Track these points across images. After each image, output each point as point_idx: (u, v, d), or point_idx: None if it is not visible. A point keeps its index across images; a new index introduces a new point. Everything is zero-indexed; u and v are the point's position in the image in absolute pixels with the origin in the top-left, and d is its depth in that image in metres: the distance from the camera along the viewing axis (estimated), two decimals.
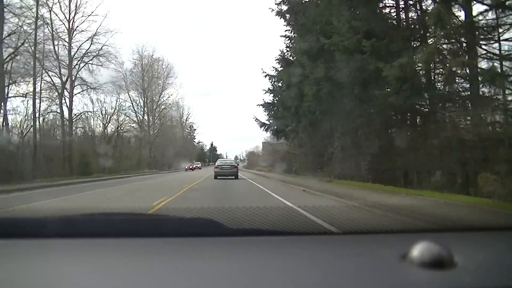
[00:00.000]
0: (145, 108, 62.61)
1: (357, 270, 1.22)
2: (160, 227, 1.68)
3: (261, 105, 35.58)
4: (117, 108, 48.78)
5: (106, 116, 47.86)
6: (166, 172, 58.57)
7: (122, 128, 51.79)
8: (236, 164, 30.82)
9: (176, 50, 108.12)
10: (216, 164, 29.87)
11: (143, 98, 61.69)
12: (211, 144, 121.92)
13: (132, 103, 60.23)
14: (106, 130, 47.69)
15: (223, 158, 65.73)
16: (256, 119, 36.12)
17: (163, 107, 68.39)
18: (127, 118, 56.47)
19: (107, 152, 45.68)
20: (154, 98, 65.73)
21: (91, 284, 1.13)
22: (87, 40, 39.81)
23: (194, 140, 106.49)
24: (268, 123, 36.08)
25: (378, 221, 2.24)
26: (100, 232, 1.55)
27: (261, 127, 35.88)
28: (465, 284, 1.09)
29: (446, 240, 1.25)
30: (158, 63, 64.43)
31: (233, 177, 26.87)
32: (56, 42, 37.35)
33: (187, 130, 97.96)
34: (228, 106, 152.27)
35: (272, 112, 35.91)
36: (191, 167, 67.18)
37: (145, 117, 64.86)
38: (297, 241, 1.58)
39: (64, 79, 38.05)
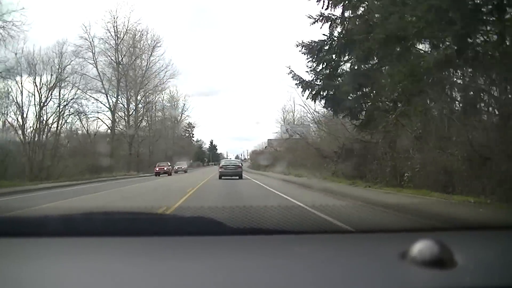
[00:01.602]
0: (120, 86, 43.51)
1: (357, 268, 1.18)
2: (160, 226, 1.60)
3: (305, 45, 16.95)
4: (57, 76, 29.63)
5: (44, 87, 28.90)
6: (149, 175, 40.06)
7: (73, 110, 32.77)
8: (240, 164, 29.28)
9: (175, 47, 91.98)
10: (220, 164, 28.92)
11: (116, 74, 42.76)
12: (211, 143, 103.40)
13: (101, 81, 41.56)
14: (42, 111, 28.70)
15: (227, 158, 58.03)
16: (294, 75, 17.51)
17: (149, 92, 49.13)
18: (89, 96, 37.58)
19: (40, 147, 27.17)
20: (137, 79, 46.86)
21: (91, 283, 1.08)
22: None
23: (193, 138, 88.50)
24: (318, 83, 17.39)
25: (378, 220, 1.85)
26: (101, 231, 1.49)
27: (303, 89, 17.34)
28: (465, 283, 1.05)
29: (446, 238, 1.19)
30: (141, 34, 45.36)
31: (237, 177, 25.23)
32: None
33: (184, 127, 79.77)
34: (228, 106, 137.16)
35: (324, 66, 17.26)
36: (165, 169, 39.68)
37: (123, 101, 45.92)
38: (296, 239, 1.52)
39: None
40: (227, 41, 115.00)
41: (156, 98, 56.62)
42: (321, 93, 17.12)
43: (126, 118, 46.55)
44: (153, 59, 47.62)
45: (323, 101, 17.75)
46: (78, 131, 38.63)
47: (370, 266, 1.19)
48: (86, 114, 38.04)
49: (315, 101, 17.68)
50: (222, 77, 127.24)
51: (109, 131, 43.39)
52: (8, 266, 1.20)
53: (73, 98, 32.28)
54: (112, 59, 42.77)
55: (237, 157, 76.15)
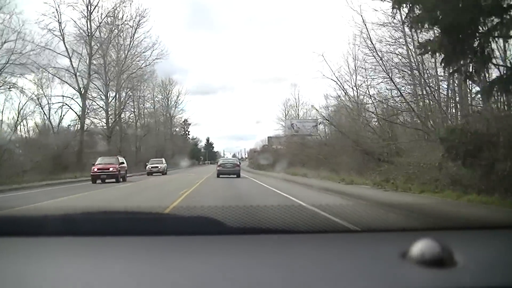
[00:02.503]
0: (94, 65, 33.88)
1: (357, 268, 1.15)
2: (161, 225, 1.56)
3: None
4: None
5: None
6: (129, 174, 30.68)
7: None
8: (238, 163, 28.29)
9: (172, 45, 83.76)
10: (218, 163, 28.32)
11: (87, 49, 33.16)
12: (207, 140, 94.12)
13: (70, 57, 32.10)
14: None
15: (224, 157, 55.12)
16: None
17: (133, 75, 39.35)
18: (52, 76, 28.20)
19: None
20: (119, 58, 37.39)
21: (92, 282, 1.06)
22: None
23: (188, 135, 79.46)
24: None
25: (379, 219, 1.76)
26: (101, 230, 1.45)
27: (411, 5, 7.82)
28: (465, 283, 1.03)
29: (446, 238, 1.17)
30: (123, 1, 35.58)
31: (235, 175, 24.78)
32: None
33: (179, 124, 70.62)
34: (225, 105, 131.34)
35: None
36: (111, 169, 21.70)
37: (103, 88, 36.40)
38: (297, 238, 1.49)
39: None
40: (225, 41, 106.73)
41: (145, 87, 47.37)
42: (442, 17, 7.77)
43: (104, 106, 37.06)
44: (138, 37, 38.26)
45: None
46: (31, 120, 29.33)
47: (370, 265, 1.16)
48: (48, 99, 28.76)
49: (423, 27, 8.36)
50: (219, 76, 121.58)
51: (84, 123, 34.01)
52: (8, 266, 1.18)
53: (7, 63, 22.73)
54: (83, 31, 33.14)
55: (234, 156, 72.19)
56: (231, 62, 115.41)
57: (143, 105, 52.08)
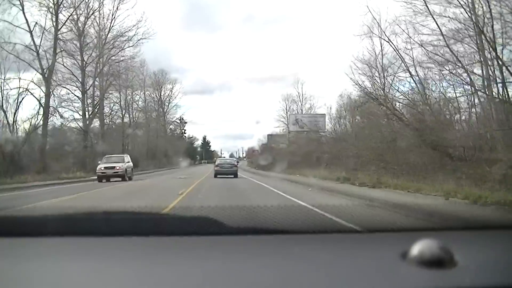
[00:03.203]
0: (60, 41, 27.08)
1: (357, 268, 1.15)
2: (161, 225, 1.55)
3: None
4: None
5: None
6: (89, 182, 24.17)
7: None
8: (235, 163, 27.80)
9: (169, 44, 78.37)
10: (216, 163, 27.79)
11: (53, 20, 26.46)
12: (204, 139, 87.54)
13: (30, 32, 25.43)
14: None
15: (221, 156, 54.83)
16: None
17: (115, 57, 32.73)
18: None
19: None
20: (100, 38, 30.91)
21: (92, 283, 1.07)
22: None
23: (185, 134, 73.51)
24: None
25: (379, 219, 1.82)
26: (101, 230, 1.44)
27: None
28: (465, 283, 1.04)
29: (446, 238, 1.17)
30: None
31: (233, 175, 24.19)
32: None
33: (175, 122, 64.42)
34: (222, 104, 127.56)
35: None
36: None
37: (74, 70, 29.80)
38: (297, 239, 1.48)
39: None
40: (221, 40, 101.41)
41: (133, 77, 40.93)
42: None
43: (81, 95, 30.46)
44: (121, 13, 31.75)
45: None
46: None
47: (370, 266, 1.15)
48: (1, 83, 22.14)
49: None
50: (216, 76, 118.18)
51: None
52: (8, 266, 1.17)
53: None
54: None
55: (231, 156, 70.78)
56: (228, 61, 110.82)
57: (131, 97, 45.89)
